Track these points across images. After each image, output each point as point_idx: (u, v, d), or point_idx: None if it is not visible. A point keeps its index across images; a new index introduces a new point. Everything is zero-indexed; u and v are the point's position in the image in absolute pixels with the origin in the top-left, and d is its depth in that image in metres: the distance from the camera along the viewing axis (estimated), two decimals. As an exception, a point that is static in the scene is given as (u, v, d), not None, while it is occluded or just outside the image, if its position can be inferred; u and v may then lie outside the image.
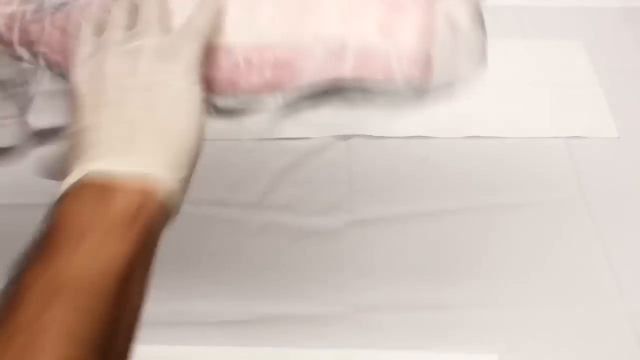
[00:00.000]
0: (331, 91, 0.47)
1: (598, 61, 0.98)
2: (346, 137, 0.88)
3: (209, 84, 0.47)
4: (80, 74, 0.46)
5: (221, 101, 0.48)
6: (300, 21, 0.46)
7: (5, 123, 0.56)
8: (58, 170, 0.44)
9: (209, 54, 0.46)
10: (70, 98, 0.46)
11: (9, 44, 0.53)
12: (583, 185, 0.84)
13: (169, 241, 0.44)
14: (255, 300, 0.72)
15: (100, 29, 0.47)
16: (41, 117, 0.55)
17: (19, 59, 0.54)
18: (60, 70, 0.52)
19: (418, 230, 0.79)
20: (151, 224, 0.42)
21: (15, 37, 0.53)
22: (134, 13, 0.47)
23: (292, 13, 0.47)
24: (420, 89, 0.46)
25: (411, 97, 0.46)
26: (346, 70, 0.46)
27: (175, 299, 0.66)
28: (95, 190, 0.41)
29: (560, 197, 0.82)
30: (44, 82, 0.54)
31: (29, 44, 0.53)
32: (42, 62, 0.52)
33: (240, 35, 0.47)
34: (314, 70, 0.46)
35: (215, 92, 0.47)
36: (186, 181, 0.44)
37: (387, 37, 0.45)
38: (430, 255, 0.77)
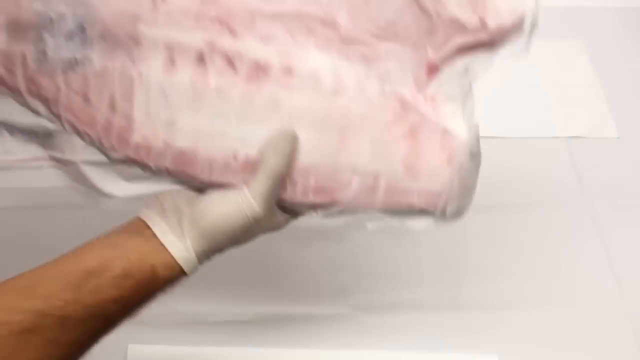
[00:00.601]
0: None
1: (598, 61, 0.98)
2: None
3: None
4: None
5: None
6: (338, 150, 0.53)
7: (36, 165, 0.57)
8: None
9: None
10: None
11: (14, 89, 0.54)
12: (583, 185, 0.84)
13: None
14: (255, 300, 0.72)
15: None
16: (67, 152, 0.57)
17: (35, 111, 0.55)
18: (92, 142, 0.54)
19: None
20: (155, 281, 0.51)
21: (21, 84, 0.54)
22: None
23: (331, 140, 0.53)
24: (435, 215, 0.55)
25: (426, 221, 0.55)
26: (377, 201, 0.54)
27: (176, 299, 0.66)
28: (136, 227, 0.52)
29: (560, 197, 0.82)
30: (81, 151, 0.56)
31: (44, 100, 0.54)
32: (67, 127, 0.54)
33: None
34: (350, 199, 0.54)
35: None
36: (210, 258, 0.53)
37: (412, 176, 0.53)
38: (430, 255, 0.77)
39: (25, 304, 0.47)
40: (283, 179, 0.53)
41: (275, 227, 0.55)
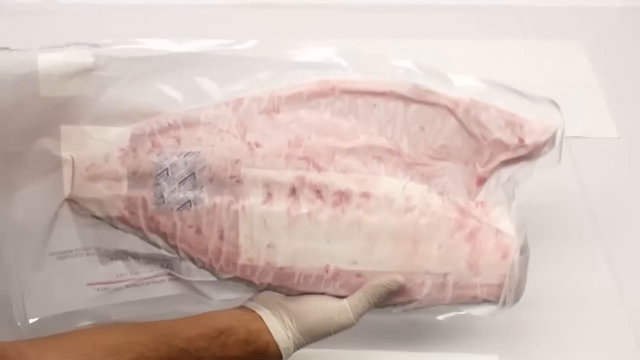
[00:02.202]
0: None
1: (598, 61, 0.98)
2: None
3: None
4: None
5: None
6: (412, 256, 0.63)
7: (158, 280, 0.66)
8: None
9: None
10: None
11: (137, 229, 0.63)
12: (583, 185, 0.84)
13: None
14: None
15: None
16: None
17: (154, 244, 0.64)
18: (204, 266, 0.64)
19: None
20: (264, 356, 0.60)
21: (142, 223, 0.63)
22: None
23: (406, 248, 0.63)
24: (493, 303, 0.65)
25: (488, 308, 0.65)
26: (447, 297, 0.65)
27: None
28: (247, 311, 0.62)
29: (560, 197, 0.82)
30: (194, 273, 0.64)
31: (162, 235, 0.63)
32: (182, 254, 0.64)
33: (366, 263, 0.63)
34: (424, 297, 0.64)
35: None
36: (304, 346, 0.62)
37: (475, 272, 0.64)
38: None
39: (172, 341, 0.57)
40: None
41: None
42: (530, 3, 1.06)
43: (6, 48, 0.59)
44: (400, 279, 0.63)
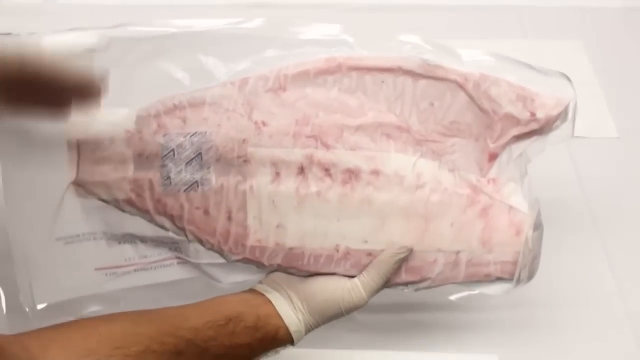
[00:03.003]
0: None
1: (598, 61, 0.98)
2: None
3: None
4: None
5: None
6: (423, 233, 0.62)
7: (166, 263, 0.65)
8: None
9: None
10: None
11: (145, 211, 0.63)
12: (583, 185, 0.84)
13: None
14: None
15: None
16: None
17: (162, 227, 0.63)
18: (212, 247, 0.63)
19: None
20: (275, 341, 0.60)
21: (149, 205, 0.62)
22: None
23: (417, 226, 0.62)
24: (510, 282, 0.64)
25: (501, 286, 0.64)
26: (460, 275, 0.63)
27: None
28: (257, 294, 0.62)
29: (560, 197, 0.82)
30: (202, 255, 0.64)
31: (170, 217, 0.62)
32: (190, 237, 0.63)
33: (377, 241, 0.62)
34: (437, 275, 0.63)
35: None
36: (311, 331, 0.62)
37: (487, 249, 0.63)
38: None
39: (179, 332, 0.56)
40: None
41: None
42: (530, 3, 1.06)
43: (9, 34, 0.59)
44: (408, 244, 0.62)
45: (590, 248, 0.78)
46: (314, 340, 0.64)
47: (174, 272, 0.66)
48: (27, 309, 0.63)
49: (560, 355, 0.71)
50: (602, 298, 0.75)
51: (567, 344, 0.71)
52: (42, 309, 0.63)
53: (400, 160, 0.63)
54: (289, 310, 0.60)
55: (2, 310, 0.68)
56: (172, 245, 0.65)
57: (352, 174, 0.62)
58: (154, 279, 0.65)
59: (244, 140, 0.62)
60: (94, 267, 0.64)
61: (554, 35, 1.02)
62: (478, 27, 1.03)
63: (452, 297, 0.67)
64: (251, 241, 0.62)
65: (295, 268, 0.63)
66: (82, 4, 1.01)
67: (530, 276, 0.64)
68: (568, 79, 0.65)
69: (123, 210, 0.63)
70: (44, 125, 0.60)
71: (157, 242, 0.64)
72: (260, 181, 0.62)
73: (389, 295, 0.68)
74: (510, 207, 0.63)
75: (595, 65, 0.97)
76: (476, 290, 0.65)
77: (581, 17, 1.05)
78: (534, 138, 0.64)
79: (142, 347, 0.54)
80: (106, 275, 0.64)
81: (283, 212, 0.62)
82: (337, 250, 0.62)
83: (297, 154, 0.62)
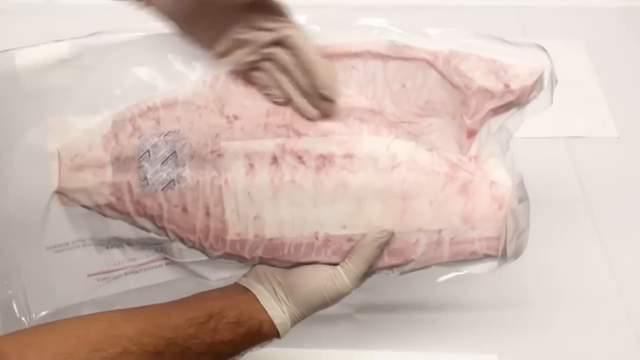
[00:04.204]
0: None
1: (598, 61, 0.98)
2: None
3: None
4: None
5: None
6: (403, 214, 0.61)
7: (155, 265, 0.66)
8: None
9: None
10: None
11: (126, 214, 0.63)
12: (583, 185, 0.84)
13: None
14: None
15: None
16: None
17: (143, 228, 0.63)
18: (194, 245, 0.63)
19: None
20: (259, 336, 0.59)
21: (130, 208, 0.62)
22: None
23: (395, 207, 0.61)
24: (497, 258, 0.62)
25: (489, 264, 0.63)
26: (444, 254, 0.62)
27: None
28: (241, 288, 0.61)
29: (560, 197, 0.82)
30: (185, 254, 0.64)
31: (150, 218, 0.63)
32: (171, 236, 0.63)
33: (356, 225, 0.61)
34: (420, 256, 0.62)
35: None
36: (298, 323, 0.61)
37: (471, 226, 0.61)
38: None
39: (158, 331, 0.55)
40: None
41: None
42: (530, 3, 1.06)
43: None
44: (387, 227, 0.61)
45: (590, 248, 0.78)
46: (314, 340, 0.64)
47: (164, 273, 0.66)
48: (23, 319, 0.64)
49: (560, 355, 0.71)
50: (602, 298, 0.75)
51: (567, 344, 0.71)
52: (39, 318, 0.64)
53: (373, 143, 0.62)
54: (273, 303, 0.60)
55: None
56: (157, 247, 0.65)
57: (325, 160, 0.62)
58: (145, 282, 0.66)
59: (216, 135, 0.62)
60: (86, 274, 0.65)
61: (554, 35, 1.02)
62: (478, 27, 1.03)
63: (440, 280, 0.65)
64: (231, 235, 0.62)
65: (276, 259, 0.62)
66: (82, 4, 1.01)
67: (518, 252, 0.63)
68: (543, 49, 0.63)
69: (106, 215, 0.63)
70: (26, 136, 0.61)
71: (142, 244, 0.65)
72: (235, 174, 0.62)
73: (389, 295, 0.68)
74: (492, 182, 0.62)
75: (596, 65, 0.97)
76: (464, 271, 0.63)
77: (581, 17, 1.05)
78: (512, 110, 0.62)
79: (119, 349, 0.53)
80: (98, 280, 0.65)
81: (259, 203, 0.62)
82: (317, 238, 0.62)
83: (269, 144, 0.62)
